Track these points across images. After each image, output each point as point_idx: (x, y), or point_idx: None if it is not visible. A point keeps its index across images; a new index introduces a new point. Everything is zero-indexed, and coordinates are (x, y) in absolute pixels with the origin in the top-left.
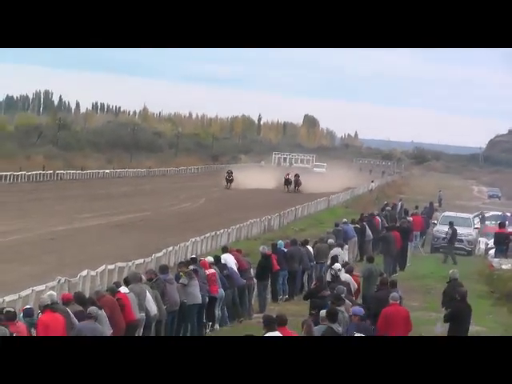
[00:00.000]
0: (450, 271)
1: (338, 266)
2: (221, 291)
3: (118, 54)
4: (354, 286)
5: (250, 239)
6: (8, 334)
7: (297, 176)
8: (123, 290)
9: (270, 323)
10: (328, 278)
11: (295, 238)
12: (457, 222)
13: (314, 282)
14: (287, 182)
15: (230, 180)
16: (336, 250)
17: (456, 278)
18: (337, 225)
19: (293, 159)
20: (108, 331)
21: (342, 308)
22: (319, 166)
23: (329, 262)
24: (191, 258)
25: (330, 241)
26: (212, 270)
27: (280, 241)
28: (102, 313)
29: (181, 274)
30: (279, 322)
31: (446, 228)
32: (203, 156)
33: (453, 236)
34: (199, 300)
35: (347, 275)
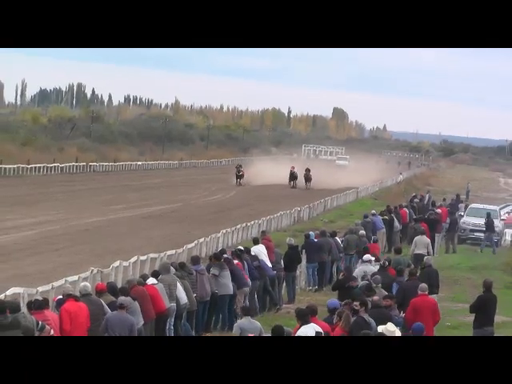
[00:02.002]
0: (425, 258)
1: (368, 256)
2: (249, 282)
3: (150, 49)
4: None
5: (280, 231)
6: (35, 323)
7: (307, 170)
8: (151, 281)
9: (303, 316)
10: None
11: (324, 229)
12: (483, 213)
13: (342, 273)
14: (292, 176)
15: (239, 176)
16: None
17: (430, 264)
18: (366, 216)
19: (322, 151)
20: (140, 321)
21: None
22: (342, 158)
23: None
24: (220, 250)
25: (362, 232)
26: (237, 261)
27: (311, 232)
28: (135, 303)
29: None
30: (311, 312)
31: (473, 220)
32: (234, 148)
33: (489, 227)
34: (230, 291)
35: (370, 267)
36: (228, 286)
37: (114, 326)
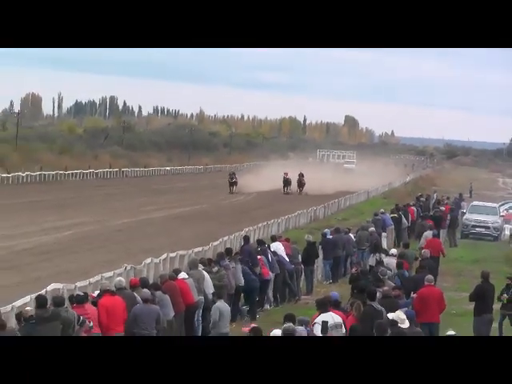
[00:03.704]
0: (423, 251)
1: (394, 251)
2: (271, 275)
3: (177, 63)
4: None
5: (298, 228)
6: (76, 317)
7: (301, 175)
8: (182, 275)
9: (323, 305)
10: (371, 262)
11: (338, 226)
12: (484, 210)
13: (354, 268)
14: (286, 182)
15: (232, 183)
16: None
17: (427, 257)
18: (376, 214)
19: (335, 155)
20: (171, 313)
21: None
22: (349, 162)
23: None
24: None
25: (372, 229)
26: (259, 257)
27: (327, 229)
28: (166, 297)
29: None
30: (329, 302)
31: (474, 216)
32: (254, 154)
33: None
34: (241, 282)
35: (392, 259)
36: (239, 278)
37: (141, 317)
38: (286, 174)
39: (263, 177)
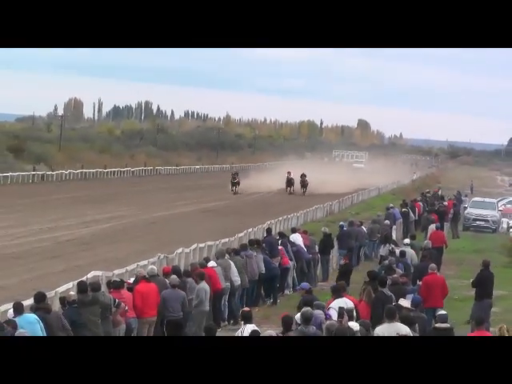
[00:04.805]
0: (425, 242)
1: (407, 241)
2: (291, 263)
3: (206, 71)
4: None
5: (315, 221)
6: (112, 301)
7: (303, 176)
8: (211, 264)
9: (337, 291)
10: (382, 252)
11: (352, 219)
12: (484, 205)
13: (343, 260)
14: (289, 182)
15: (235, 183)
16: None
17: (429, 247)
18: (388, 208)
19: (349, 156)
20: None
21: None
22: (358, 162)
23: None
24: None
25: (386, 221)
26: (280, 247)
27: (342, 222)
28: (195, 283)
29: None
30: (343, 288)
31: (475, 211)
32: (275, 154)
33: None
34: (263, 270)
35: (407, 249)
36: (262, 267)
37: (169, 301)
38: (289, 173)
39: (283, 175)
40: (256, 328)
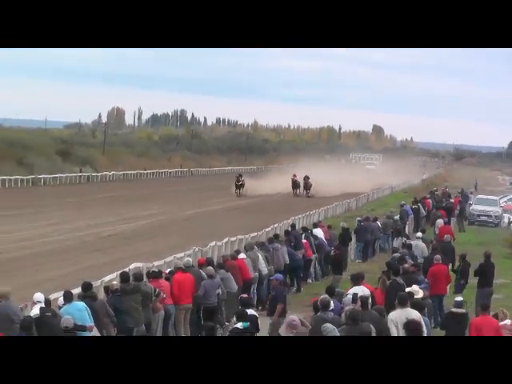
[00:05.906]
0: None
1: (419, 234)
2: (314, 255)
3: (235, 82)
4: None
5: (335, 217)
6: (152, 290)
7: (306, 178)
8: (241, 255)
9: (356, 279)
10: (395, 244)
11: (368, 215)
12: (487, 202)
13: (333, 251)
14: (295, 184)
15: (239, 185)
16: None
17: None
18: (401, 205)
19: (364, 158)
20: (235, 286)
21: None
22: (371, 163)
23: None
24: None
25: (396, 217)
26: (305, 241)
27: (359, 218)
28: (229, 274)
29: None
30: (361, 277)
31: (479, 207)
32: (298, 157)
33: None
34: (287, 261)
35: (419, 242)
36: (286, 259)
37: (208, 288)
38: (294, 176)
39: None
40: (254, 313)
